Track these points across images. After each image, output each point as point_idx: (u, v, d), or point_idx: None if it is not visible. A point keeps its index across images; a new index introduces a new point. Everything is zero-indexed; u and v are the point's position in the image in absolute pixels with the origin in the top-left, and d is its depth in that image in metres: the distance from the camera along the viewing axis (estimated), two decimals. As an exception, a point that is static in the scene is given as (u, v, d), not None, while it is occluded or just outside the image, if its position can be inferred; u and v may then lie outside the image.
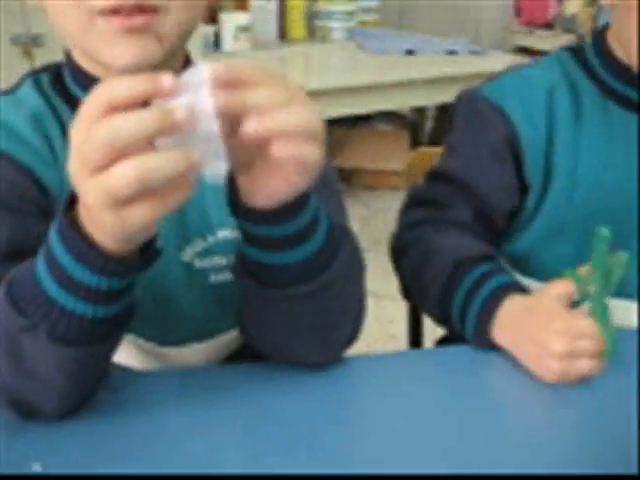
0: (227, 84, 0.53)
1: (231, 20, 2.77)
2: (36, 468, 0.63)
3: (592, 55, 0.94)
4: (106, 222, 0.54)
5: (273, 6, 2.98)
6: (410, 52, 2.78)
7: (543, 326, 0.75)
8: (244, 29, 2.80)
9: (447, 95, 2.66)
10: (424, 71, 2.56)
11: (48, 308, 0.59)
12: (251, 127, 0.53)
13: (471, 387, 0.77)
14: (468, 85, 2.71)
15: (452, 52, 2.80)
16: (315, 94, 2.28)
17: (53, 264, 0.59)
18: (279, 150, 0.55)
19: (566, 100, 0.93)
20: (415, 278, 0.93)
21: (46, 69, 0.80)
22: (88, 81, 0.75)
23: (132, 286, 0.62)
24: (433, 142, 3.34)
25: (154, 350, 0.80)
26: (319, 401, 0.73)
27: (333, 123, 2.81)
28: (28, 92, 0.77)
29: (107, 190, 0.51)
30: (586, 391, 0.74)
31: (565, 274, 0.77)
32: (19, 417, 0.68)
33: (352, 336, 0.76)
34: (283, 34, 3.08)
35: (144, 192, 0.51)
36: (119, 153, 0.50)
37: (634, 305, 0.93)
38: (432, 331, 1.09)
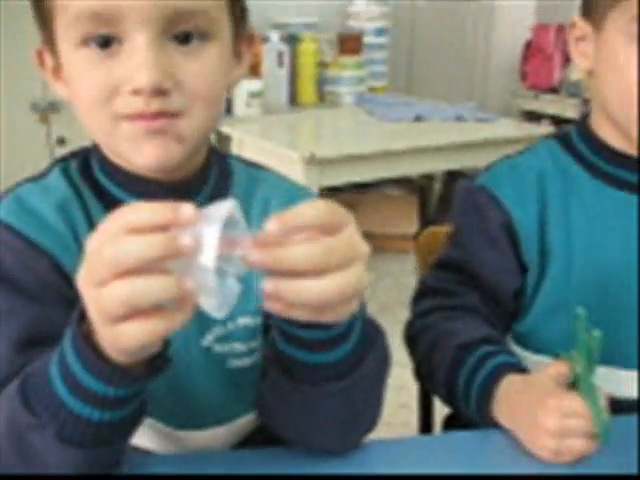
0: (268, 241, 0.54)
1: (243, 86, 2.83)
2: None
3: (579, 141, 0.99)
4: (103, 335, 0.56)
5: (284, 72, 3.05)
6: (419, 118, 2.83)
7: (537, 404, 0.77)
8: (256, 95, 2.86)
9: (455, 162, 2.71)
10: (432, 138, 2.61)
11: (57, 409, 0.61)
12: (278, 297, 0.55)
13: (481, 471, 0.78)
14: (476, 152, 2.77)
15: (460, 118, 2.85)
16: (325, 162, 2.32)
17: (64, 367, 0.60)
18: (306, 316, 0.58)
19: (556, 184, 0.97)
20: (424, 364, 0.97)
21: (74, 155, 0.82)
22: (115, 172, 0.78)
23: (141, 392, 0.63)
24: (441, 207, 3.38)
25: (171, 433, 0.82)
26: None
27: (342, 188, 2.85)
28: (57, 179, 0.79)
29: (101, 306, 0.54)
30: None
31: (561, 355, 0.79)
32: None
33: (372, 426, 0.77)
34: (294, 99, 3.15)
35: (138, 311, 0.53)
36: (121, 271, 0.52)
37: (632, 374, 0.95)
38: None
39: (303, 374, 0.69)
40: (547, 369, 0.80)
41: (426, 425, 1.21)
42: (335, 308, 0.58)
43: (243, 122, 2.69)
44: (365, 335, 0.69)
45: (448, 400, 0.95)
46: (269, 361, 0.73)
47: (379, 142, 2.59)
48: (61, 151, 2.68)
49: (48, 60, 0.77)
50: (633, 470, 0.76)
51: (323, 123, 2.97)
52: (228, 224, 0.54)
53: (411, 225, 3.20)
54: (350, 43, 3.18)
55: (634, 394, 0.94)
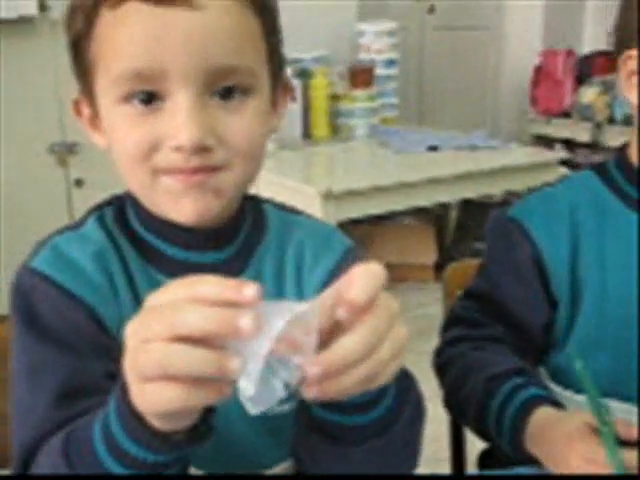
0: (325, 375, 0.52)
1: (257, 123, 2.85)
2: None
3: (615, 170, 0.98)
4: (133, 392, 0.55)
5: (298, 107, 3.07)
6: (432, 148, 2.85)
7: (563, 446, 0.79)
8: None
9: (470, 191, 2.73)
10: (447, 168, 2.62)
11: (96, 469, 0.60)
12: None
13: None
14: (490, 179, 2.77)
15: (473, 146, 2.86)
16: (342, 195, 2.34)
17: (105, 429, 0.60)
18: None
19: (590, 217, 0.96)
20: (454, 394, 0.97)
21: (110, 203, 0.83)
22: (150, 220, 0.78)
23: (183, 458, 0.62)
24: (459, 235, 3.38)
25: None
26: None
27: (358, 220, 2.86)
28: (93, 228, 0.79)
29: (137, 361, 0.52)
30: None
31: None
32: None
33: (411, 472, 0.77)
34: (307, 133, 3.17)
35: (171, 376, 0.51)
36: (173, 336, 0.50)
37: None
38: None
39: (341, 436, 0.67)
40: (575, 413, 0.82)
41: (458, 459, 1.20)
42: (384, 373, 0.56)
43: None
44: (400, 389, 0.68)
45: (479, 432, 0.95)
46: (303, 420, 0.71)
47: (394, 174, 2.60)
48: (78, 193, 2.74)
49: (85, 110, 0.77)
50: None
51: (337, 157, 2.99)
52: (302, 324, 0.51)
53: (429, 254, 3.20)
54: (362, 75, 3.21)
55: None
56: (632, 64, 0.91)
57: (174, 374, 0.51)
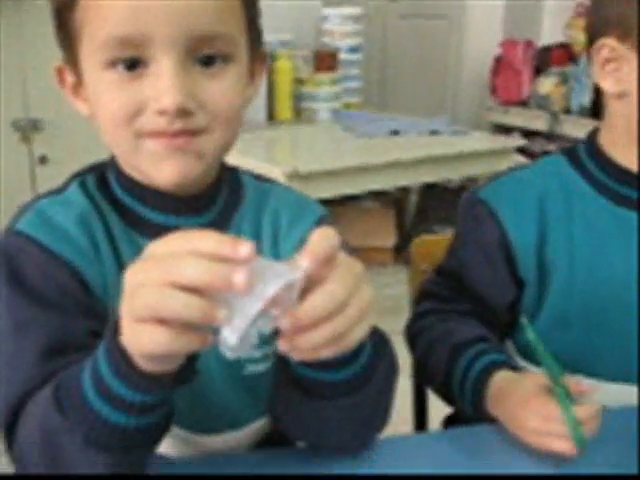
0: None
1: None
2: None
3: (587, 158, 1.01)
4: (125, 333, 0.58)
5: (262, 90, 3.09)
6: (395, 133, 2.90)
7: (520, 404, 0.83)
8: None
9: (431, 175, 2.78)
10: (408, 152, 2.66)
11: (86, 413, 0.63)
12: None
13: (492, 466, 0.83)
14: (451, 164, 2.82)
15: (434, 132, 2.92)
16: (307, 177, 2.37)
17: (96, 373, 0.62)
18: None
19: (559, 203, 1.00)
20: (423, 364, 1.03)
21: (91, 170, 0.85)
22: (131, 185, 0.80)
23: (167, 401, 0.66)
24: (418, 218, 3.44)
25: (190, 438, 0.85)
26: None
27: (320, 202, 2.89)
28: (75, 193, 0.81)
29: (132, 301, 0.56)
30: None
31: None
32: None
33: (383, 427, 0.81)
34: (271, 116, 3.19)
35: (162, 319, 0.54)
36: (170, 282, 0.53)
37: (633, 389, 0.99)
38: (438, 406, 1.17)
39: (315, 390, 0.71)
40: (533, 373, 0.86)
41: (421, 427, 1.26)
42: (353, 332, 0.59)
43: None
44: (375, 348, 0.71)
45: (446, 398, 1.00)
46: (281, 375, 0.75)
47: (357, 157, 2.65)
48: (43, 170, 2.72)
49: (69, 78, 0.79)
50: (633, 468, 0.80)
51: (301, 139, 3.03)
52: (290, 288, 0.55)
53: (389, 237, 3.25)
54: (326, 60, 3.24)
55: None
56: (606, 52, 0.93)
57: (165, 317, 0.54)
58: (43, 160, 2.72)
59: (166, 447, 0.84)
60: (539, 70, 3.75)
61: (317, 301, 0.56)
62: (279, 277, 0.54)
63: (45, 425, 0.66)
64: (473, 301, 1.03)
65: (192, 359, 0.64)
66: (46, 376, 0.70)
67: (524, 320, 0.81)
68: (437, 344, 0.99)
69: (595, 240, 0.99)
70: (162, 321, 0.54)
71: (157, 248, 0.56)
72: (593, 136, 1.03)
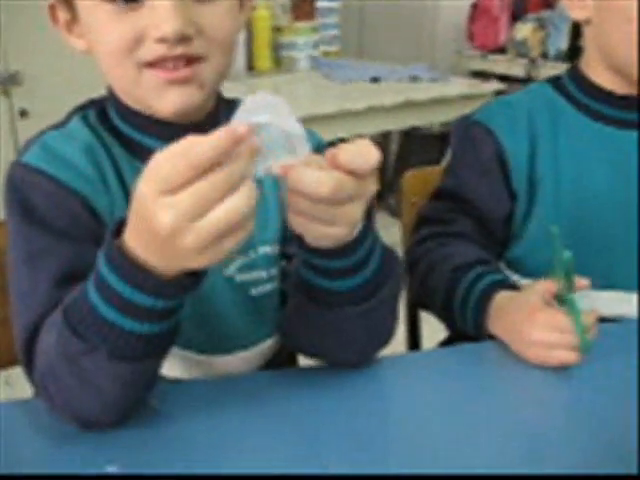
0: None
1: (201, 54, 2.85)
2: (111, 469, 0.70)
3: (569, 82, 1.10)
4: (165, 249, 0.59)
5: (240, 39, 3.08)
6: (375, 79, 2.91)
7: (525, 317, 0.86)
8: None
9: (411, 119, 2.80)
10: (389, 98, 2.68)
11: (108, 331, 0.65)
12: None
13: (489, 383, 0.86)
14: (430, 109, 2.84)
15: (414, 78, 2.93)
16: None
17: (107, 291, 0.64)
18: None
19: (545, 119, 1.07)
20: (423, 288, 1.06)
21: (91, 104, 0.86)
22: (132, 116, 0.82)
23: (183, 304, 0.68)
24: (399, 166, 3.46)
25: (199, 360, 0.88)
26: (354, 399, 0.81)
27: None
28: (78, 126, 0.83)
29: (182, 211, 0.57)
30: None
31: (550, 275, 0.88)
32: (80, 428, 0.74)
33: (388, 342, 0.84)
34: (250, 65, 3.18)
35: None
36: (195, 171, 0.56)
37: (632, 296, 1.05)
38: (431, 333, 1.21)
39: (325, 299, 0.74)
40: (535, 286, 0.89)
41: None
42: (353, 202, 0.63)
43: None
44: (383, 263, 0.75)
45: (447, 321, 1.04)
46: (294, 288, 0.78)
47: (337, 103, 2.64)
48: (23, 124, 2.70)
49: (61, 15, 0.80)
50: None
51: (281, 87, 3.02)
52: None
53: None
54: (304, 8, 3.23)
55: (623, 311, 1.04)
56: None
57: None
58: (23, 114, 2.69)
59: (178, 372, 0.87)
60: (516, 16, 3.75)
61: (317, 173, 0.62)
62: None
63: (64, 349, 0.68)
64: (471, 218, 1.08)
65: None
66: (59, 303, 0.71)
67: (554, 229, 0.83)
68: (437, 267, 1.03)
69: (578, 154, 1.06)
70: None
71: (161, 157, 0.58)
72: (576, 65, 1.10)
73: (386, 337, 0.83)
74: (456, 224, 1.08)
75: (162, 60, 0.75)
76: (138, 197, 0.59)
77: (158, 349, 0.69)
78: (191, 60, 0.76)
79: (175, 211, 0.57)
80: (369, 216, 0.70)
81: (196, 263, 0.60)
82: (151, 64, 0.75)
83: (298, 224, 0.66)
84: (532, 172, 1.06)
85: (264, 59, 3.20)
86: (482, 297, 0.94)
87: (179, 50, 0.74)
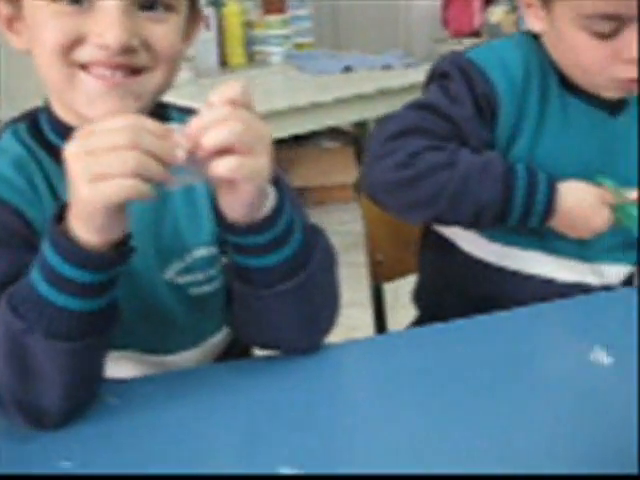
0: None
1: (173, 52, 2.84)
2: (66, 465, 0.70)
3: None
4: (82, 194, 0.63)
5: (213, 35, 3.07)
6: (347, 69, 2.91)
7: (590, 216, 1.05)
8: (187, 59, 2.88)
9: (384, 108, 2.79)
10: (361, 87, 2.69)
11: (42, 307, 0.68)
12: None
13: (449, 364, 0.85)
14: (403, 97, 2.84)
15: (387, 66, 2.93)
16: (261, 116, 2.38)
17: (45, 267, 0.67)
18: (215, 169, 0.67)
19: (538, 74, 1.08)
20: (460, 192, 1.02)
21: (22, 118, 0.86)
22: (65, 130, 0.80)
23: (114, 282, 0.70)
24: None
25: (151, 360, 0.89)
26: (307, 388, 0.81)
27: (279, 144, 2.90)
28: (9, 141, 0.83)
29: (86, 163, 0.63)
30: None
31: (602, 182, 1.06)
32: (27, 424, 0.74)
33: (331, 324, 0.86)
34: (223, 61, 3.17)
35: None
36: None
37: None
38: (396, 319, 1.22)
39: (256, 279, 0.77)
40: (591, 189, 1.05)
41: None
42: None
43: (176, 87, 2.69)
44: (305, 242, 0.78)
45: (500, 218, 1.04)
46: (231, 276, 0.81)
47: (310, 95, 2.65)
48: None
49: (3, 10, 0.79)
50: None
51: (254, 82, 3.01)
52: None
53: (349, 174, 3.27)
54: (274, 1, 3.22)
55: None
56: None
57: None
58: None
59: (128, 372, 0.87)
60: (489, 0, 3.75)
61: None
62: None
63: (9, 333, 0.69)
64: (457, 140, 1.07)
65: (127, 238, 0.69)
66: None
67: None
68: (475, 173, 1.02)
69: (558, 127, 1.09)
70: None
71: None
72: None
73: (328, 317, 0.85)
74: (451, 142, 1.06)
75: (100, 65, 0.74)
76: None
77: (93, 329, 0.70)
78: (134, 71, 0.76)
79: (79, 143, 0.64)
80: (283, 192, 0.75)
81: (88, 192, 0.64)
82: (87, 67, 0.75)
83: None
84: (520, 114, 1.07)
85: (237, 55, 3.19)
86: (549, 197, 1.02)
87: (119, 59, 0.74)
